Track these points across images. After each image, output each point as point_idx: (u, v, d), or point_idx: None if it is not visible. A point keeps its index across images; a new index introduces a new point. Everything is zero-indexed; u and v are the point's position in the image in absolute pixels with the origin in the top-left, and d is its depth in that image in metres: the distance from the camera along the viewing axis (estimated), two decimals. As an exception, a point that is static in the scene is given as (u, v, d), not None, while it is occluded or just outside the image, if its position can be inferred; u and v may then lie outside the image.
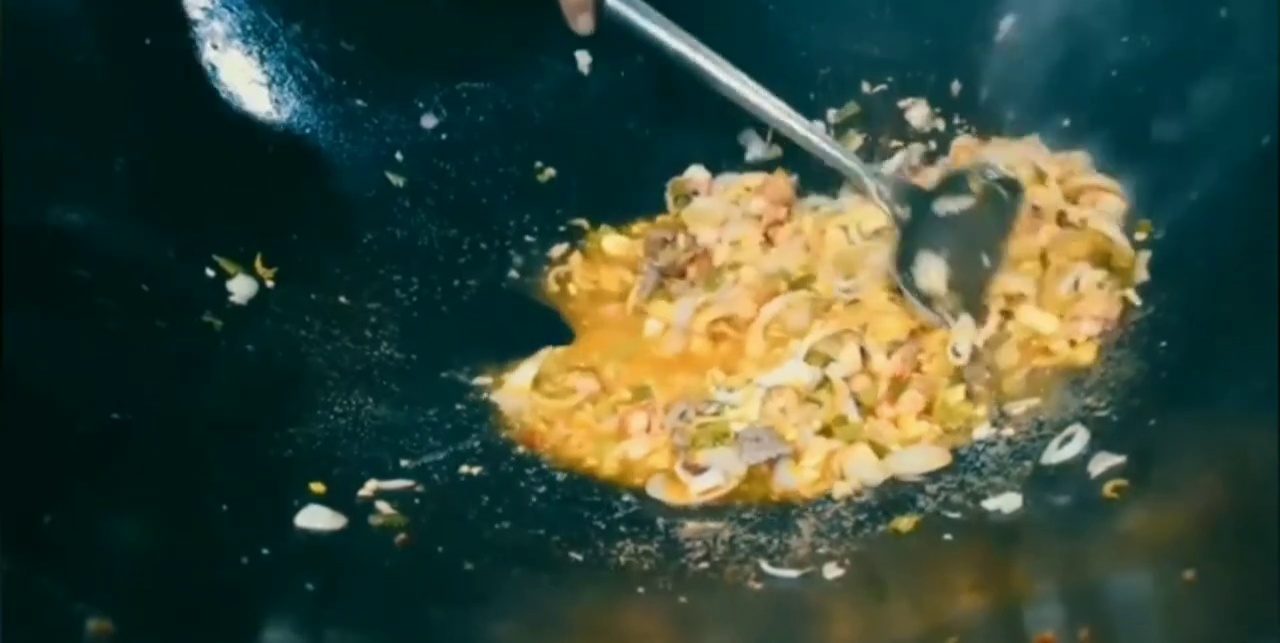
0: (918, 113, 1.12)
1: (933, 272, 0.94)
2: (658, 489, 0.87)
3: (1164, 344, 0.84)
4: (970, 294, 0.93)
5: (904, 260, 0.95)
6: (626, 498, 0.86)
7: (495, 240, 1.08)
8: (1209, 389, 0.76)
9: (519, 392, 0.97)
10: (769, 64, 1.11)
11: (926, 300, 0.93)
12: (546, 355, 1.00)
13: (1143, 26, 0.96)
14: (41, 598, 0.55)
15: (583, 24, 0.99)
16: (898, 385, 0.91)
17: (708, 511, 0.85)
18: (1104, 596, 0.61)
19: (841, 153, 1.03)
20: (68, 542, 0.61)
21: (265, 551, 0.69)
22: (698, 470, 0.87)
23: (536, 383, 0.97)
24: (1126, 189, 0.96)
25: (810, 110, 1.12)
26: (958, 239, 0.96)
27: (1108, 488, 0.71)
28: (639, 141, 1.14)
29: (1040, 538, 0.72)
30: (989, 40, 1.07)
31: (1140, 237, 0.92)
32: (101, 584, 0.58)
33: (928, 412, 0.89)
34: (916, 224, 0.99)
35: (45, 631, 0.53)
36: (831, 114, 1.14)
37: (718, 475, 0.86)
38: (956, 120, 1.11)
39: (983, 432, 0.86)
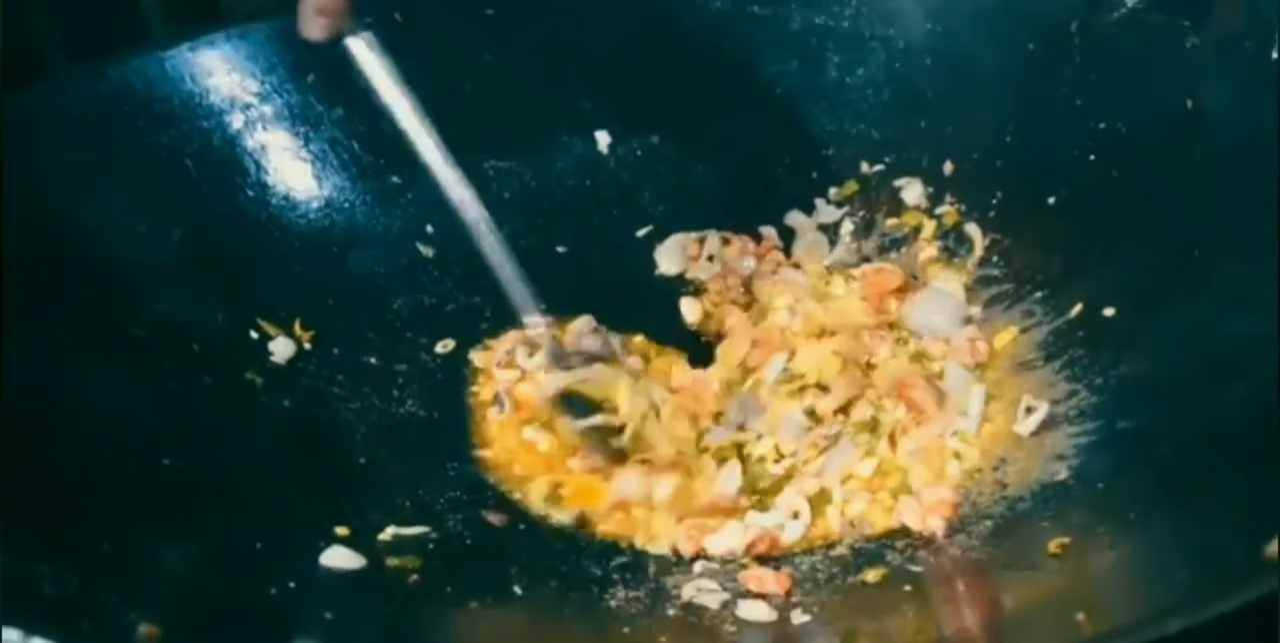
0: (912, 191, 1.18)
1: None
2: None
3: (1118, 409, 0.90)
4: None
5: None
6: (624, 548, 0.91)
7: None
8: (1153, 458, 0.83)
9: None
10: (774, 144, 1.19)
11: None
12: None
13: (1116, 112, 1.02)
14: (100, 608, 0.64)
15: (313, 29, 0.92)
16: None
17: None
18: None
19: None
20: (123, 566, 0.70)
21: (292, 584, 0.77)
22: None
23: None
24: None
25: (811, 188, 1.21)
26: None
27: (1052, 545, 0.77)
28: (653, 217, 1.21)
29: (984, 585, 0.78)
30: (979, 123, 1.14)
31: (1109, 313, 0.98)
32: (151, 602, 0.66)
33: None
34: None
35: (104, 633, 0.61)
36: (831, 192, 1.21)
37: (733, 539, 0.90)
38: (948, 199, 1.16)
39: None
